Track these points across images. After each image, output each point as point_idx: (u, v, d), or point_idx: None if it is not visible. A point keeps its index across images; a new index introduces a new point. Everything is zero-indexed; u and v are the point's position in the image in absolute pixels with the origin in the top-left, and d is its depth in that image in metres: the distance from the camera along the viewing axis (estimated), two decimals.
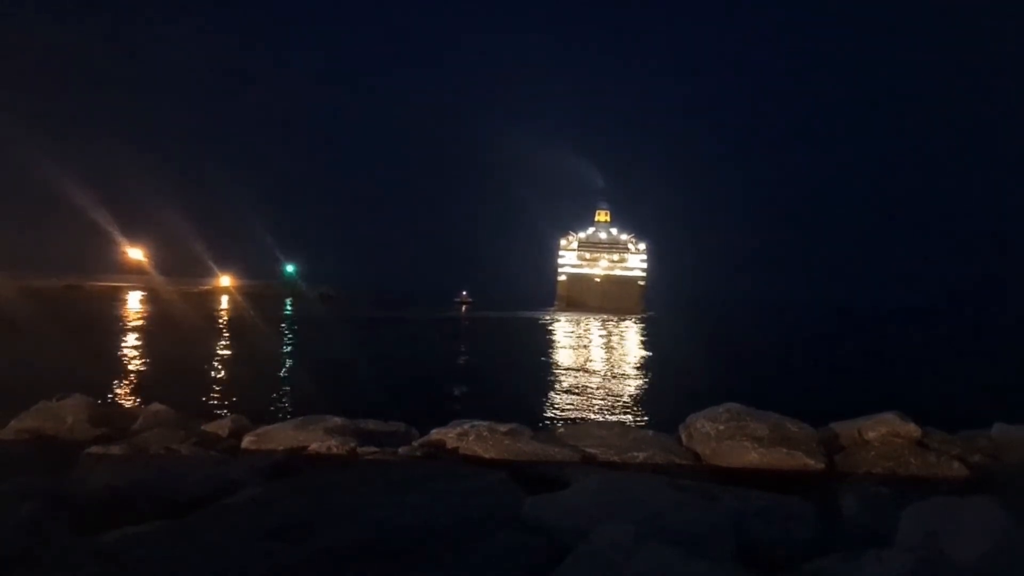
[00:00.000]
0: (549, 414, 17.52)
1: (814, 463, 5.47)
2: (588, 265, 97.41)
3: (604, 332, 55.11)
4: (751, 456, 5.53)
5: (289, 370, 24.62)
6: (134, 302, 79.61)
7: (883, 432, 6.10)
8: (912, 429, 6.14)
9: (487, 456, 5.52)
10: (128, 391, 18.32)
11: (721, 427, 6.01)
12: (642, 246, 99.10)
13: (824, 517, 3.93)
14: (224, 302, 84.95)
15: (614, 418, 17.89)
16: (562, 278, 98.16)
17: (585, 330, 57.70)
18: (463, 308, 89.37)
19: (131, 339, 34.96)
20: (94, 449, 4.17)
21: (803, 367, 33.09)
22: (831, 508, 4.07)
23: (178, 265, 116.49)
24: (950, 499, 3.31)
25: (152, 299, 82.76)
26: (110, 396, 16.55)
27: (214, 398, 17.42)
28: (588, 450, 5.82)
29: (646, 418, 19.06)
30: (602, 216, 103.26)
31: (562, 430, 6.50)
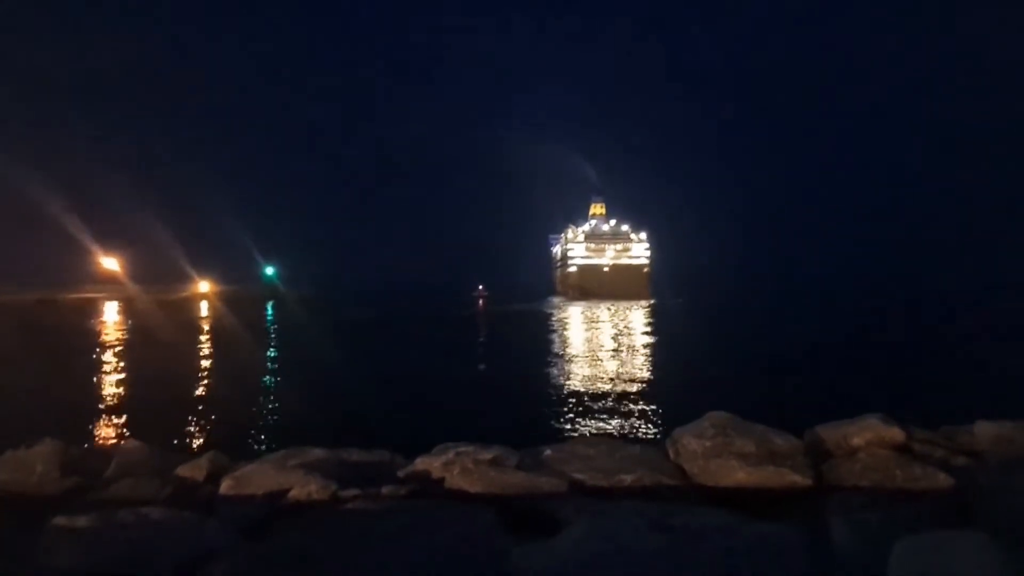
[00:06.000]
0: (543, 421, 17.48)
1: (801, 479, 5.47)
2: (596, 256, 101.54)
3: (613, 322, 55.38)
4: (738, 475, 5.51)
5: (272, 384, 24.30)
6: (110, 313, 77.98)
7: (868, 438, 6.13)
8: (896, 433, 6.18)
9: (473, 491, 5.43)
10: (102, 420, 17.88)
11: (708, 443, 5.98)
12: (643, 235, 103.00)
13: (814, 549, 3.89)
14: (203, 309, 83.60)
15: (606, 419, 17.94)
16: (572, 269, 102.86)
17: (595, 319, 58.19)
18: (480, 303, 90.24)
19: (105, 357, 34.16)
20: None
21: (792, 351, 33.57)
22: (821, 538, 4.04)
23: (155, 273, 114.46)
24: (940, 535, 3.29)
25: (128, 309, 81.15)
26: (85, 427, 16.12)
27: (193, 422, 17.06)
28: (575, 476, 5.76)
29: (642, 408, 19.16)
30: (597, 209, 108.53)
31: (548, 452, 6.40)
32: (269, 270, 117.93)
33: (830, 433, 6.36)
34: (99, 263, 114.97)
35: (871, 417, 6.33)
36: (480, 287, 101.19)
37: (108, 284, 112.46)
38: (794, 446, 5.95)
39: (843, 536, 4.00)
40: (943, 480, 5.24)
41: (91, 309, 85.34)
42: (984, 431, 6.31)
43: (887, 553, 3.36)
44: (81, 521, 3.93)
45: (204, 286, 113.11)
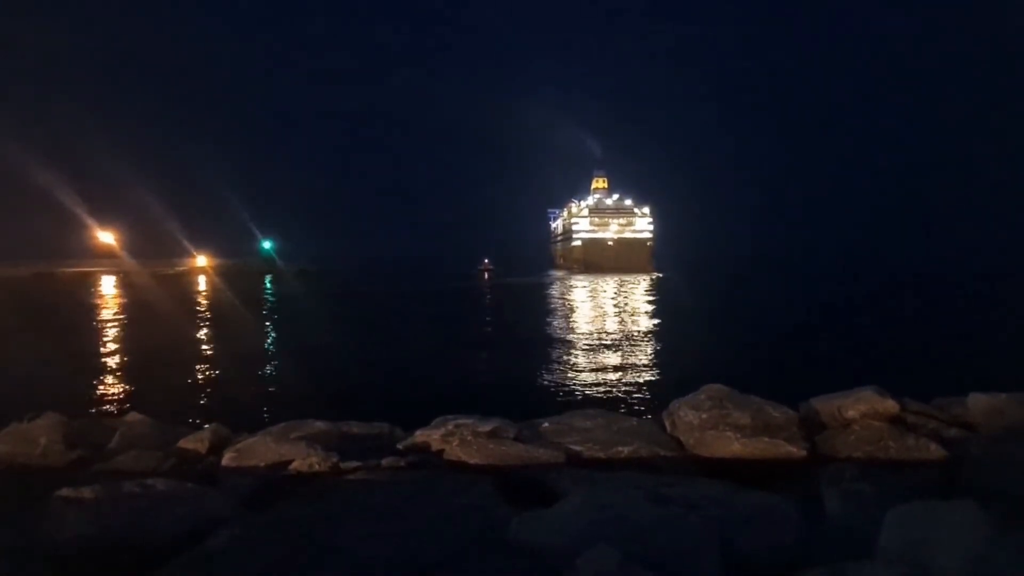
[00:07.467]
0: (540, 394, 17.58)
1: (796, 450, 5.54)
2: (600, 230, 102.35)
3: (615, 295, 55.37)
4: (734, 447, 5.58)
5: (272, 357, 24.36)
6: (107, 287, 77.82)
7: (862, 410, 6.20)
8: (890, 405, 6.24)
9: (472, 462, 5.50)
10: (104, 392, 17.98)
11: (704, 415, 6.04)
12: (646, 209, 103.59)
13: (808, 518, 3.96)
14: (201, 283, 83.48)
15: (603, 391, 18.07)
16: (576, 243, 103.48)
17: (597, 292, 58.26)
18: (485, 276, 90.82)
19: (105, 330, 34.23)
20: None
21: (789, 324, 33.69)
22: (815, 508, 4.11)
23: (152, 247, 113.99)
24: (931, 504, 3.34)
25: (126, 284, 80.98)
26: (86, 401, 16.21)
27: (194, 395, 17.17)
28: (573, 448, 5.83)
29: (640, 381, 19.32)
30: (600, 183, 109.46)
31: (546, 425, 6.47)
32: (267, 244, 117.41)
33: (825, 405, 6.42)
34: (96, 237, 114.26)
35: (865, 389, 6.39)
36: (485, 260, 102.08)
37: (105, 258, 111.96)
38: (789, 418, 6.02)
39: (836, 506, 4.06)
40: (936, 451, 5.31)
41: (88, 283, 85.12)
42: (977, 403, 6.37)
43: (880, 522, 3.42)
44: (86, 492, 3.98)
45: (202, 260, 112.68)
